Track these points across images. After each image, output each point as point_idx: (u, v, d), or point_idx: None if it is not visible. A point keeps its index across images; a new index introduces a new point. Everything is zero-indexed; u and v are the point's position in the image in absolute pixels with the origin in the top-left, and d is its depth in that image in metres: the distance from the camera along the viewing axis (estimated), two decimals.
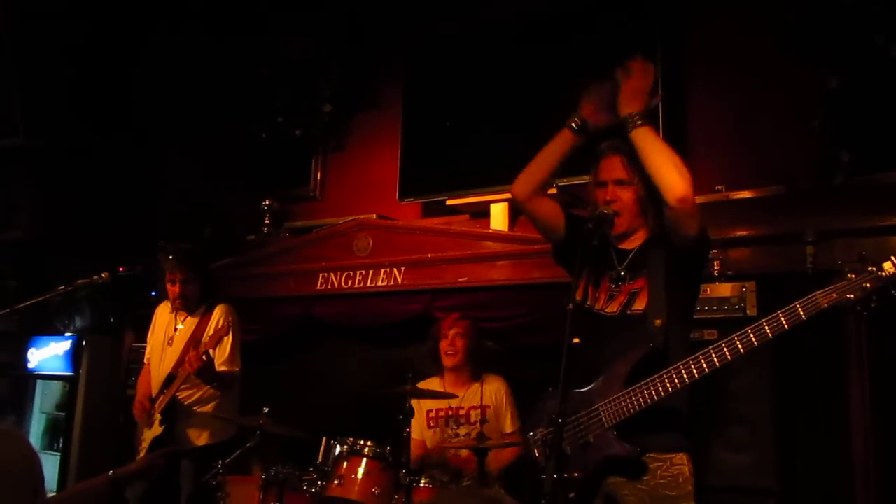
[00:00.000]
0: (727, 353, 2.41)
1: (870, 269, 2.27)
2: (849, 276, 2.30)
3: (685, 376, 2.46)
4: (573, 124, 2.78)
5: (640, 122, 2.59)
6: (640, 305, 2.67)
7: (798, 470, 3.79)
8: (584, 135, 2.78)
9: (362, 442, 3.58)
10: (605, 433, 2.57)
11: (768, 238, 4.05)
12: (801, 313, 2.32)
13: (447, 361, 4.17)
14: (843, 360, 3.76)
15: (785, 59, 4.16)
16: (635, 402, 2.52)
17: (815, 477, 3.77)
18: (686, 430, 2.66)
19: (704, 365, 2.44)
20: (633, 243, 2.79)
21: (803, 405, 3.84)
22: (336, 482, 3.49)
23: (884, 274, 2.25)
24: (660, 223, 2.77)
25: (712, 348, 2.44)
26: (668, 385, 2.48)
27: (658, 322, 2.60)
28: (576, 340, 2.33)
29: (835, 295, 2.29)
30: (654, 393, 2.49)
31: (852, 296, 2.27)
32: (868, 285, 2.26)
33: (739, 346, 2.40)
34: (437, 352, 4.21)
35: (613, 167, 2.75)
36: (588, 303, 2.71)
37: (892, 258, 2.28)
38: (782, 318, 2.34)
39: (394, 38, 5.56)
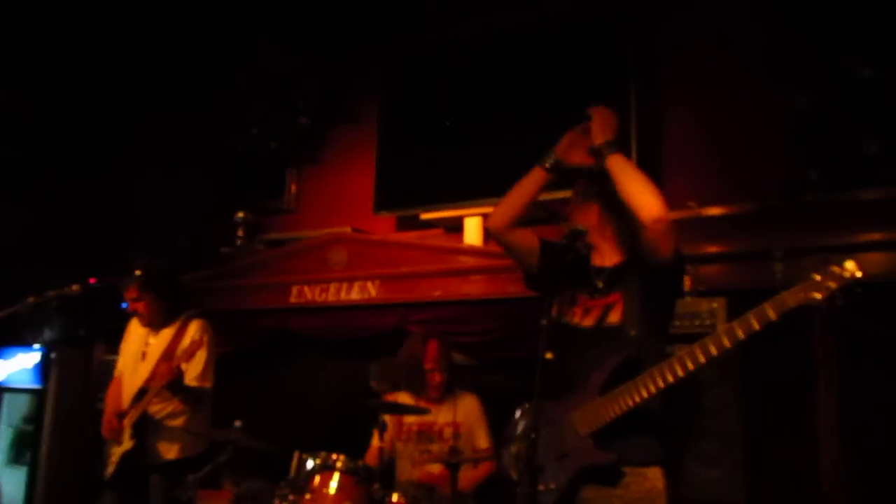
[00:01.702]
0: (700, 355, 2.43)
1: (833, 269, 2.32)
2: (814, 276, 2.33)
3: (660, 381, 2.48)
4: (546, 165, 2.90)
5: (612, 149, 2.73)
6: (614, 318, 2.71)
7: (767, 483, 3.83)
8: (555, 173, 2.91)
9: (335, 456, 3.56)
10: (581, 442, 2.58)
11: (738, 254, 4.11)
12: (771, 313, 2.35)
13: (434, 392, 4.13)
14: (812, 374, 3.81)
15: (756, 78, 4.23)
16: (611, 410, 2.54)
17: (784, 490, 3.81)
18: (661, 444, 2.68)
19: (678, 369, 2.46)
20: (611, 260, 2.84)
21: (773, 419, 3.89)
22: (308, 497, 3.47)
23: (847, 274, 2.30)
24: (636, 245, 2.84)
25: (685, 352, 2.45)
26: (643, 391, 2.49)
27: (633, 332, 2.64)
28: (549, 356, 2.36)
29: (801, 294, 2.33)
30: (629, 399, 2.51)
31: (819, 295, 2.31)
32: (833, 284, 2.30)
33: (712, 348, 2.42)
34: (419, 371, 4.15)
35: (579, 186, 2.90)
36: (563, 318, 2.75)
37: (854, 259, 2.32)
38: (752, 319, 2.37)
39: (370, 53, 5.57)
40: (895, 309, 3.63)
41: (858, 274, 2.30)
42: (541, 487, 2.49)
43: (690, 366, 2.45)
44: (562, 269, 2.62)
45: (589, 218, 2.83)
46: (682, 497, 3.64)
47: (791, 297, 2.35)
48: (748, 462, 3.84)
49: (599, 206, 2.84)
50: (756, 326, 2.37)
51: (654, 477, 2.60)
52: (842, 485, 3.70)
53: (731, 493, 3.82)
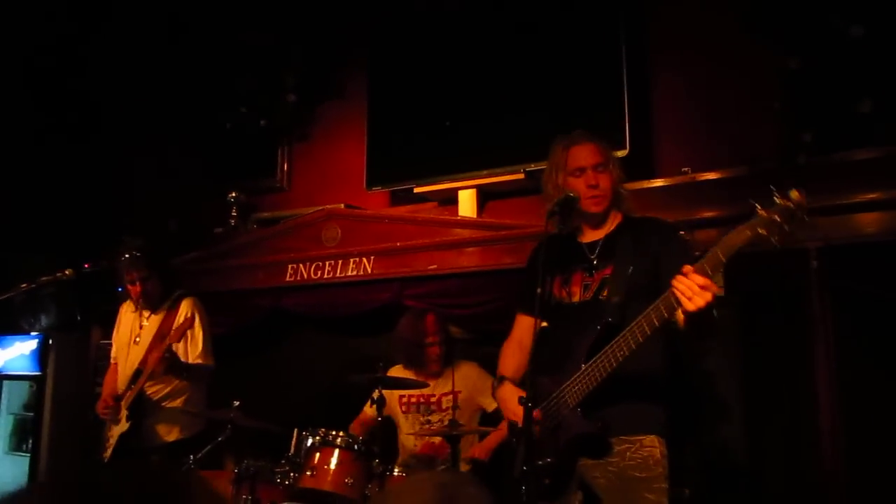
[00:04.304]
0: (663, 310, 2.41)
1: (778, 201, 2.25)
2: (759, 212, 2.27)
3: (631, 343, 2.46)
4: None
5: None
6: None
7: (767, 446, 3.84)
8: None
9: (334, 433, 3.56)
10: (571, 413, 2.59)
11: (733, 218, 4.04)
12: (721, 256, 2.29)
13: (434, 365, 4.14)
14: (808, 337, 3.81)
15: (747, 41, 4.18)
16: (594, 377, 2.54)
17: (783, 452, 3.82)
18: (662, 412, 2.68)
19: (646, 326, 2.44)
20: (603, 231, 2.82)
21: (771, 383, 3.89)
22: (309, 473, 3.48)
23: (791, 204, 2.23)
24: (629, 208, 2.84)
25: (651, 309, 2.43)
26: (618, 354, 2.49)
27: (615, 299, 2.64)
28: (544, 324, 2.36)
29: (748, 232, 2.27)
30: (607, 365, 2.51)
31: (765, 231, 2.24)
32: (777, 217, 2.24)
33: (673, 301, 2.37)
34: (418, 346, 4.14)
35: (590, 153, 2.80)
36: (560, 297, 2.74)
37: (796, 189, 2.25)
38: (706, 266, 2.31)
39: (356, 26, 5.51)
40: (891, 269, 3.62)
41: (803, 202, 2.23)
42: (539, 463, 2.50)
43: (656, 322, 2.42)
44: (553, 247, 2.64)
45: (606, 179, 2.80)
46: (682, 464, 3.65)
47: (738, 237, 2.28)
48: (748, 426, 3.86)
49: (616, 170, 2.82)
50: (708, 272, 2.30)
51: (651, 444, 2.60)
52: (841, 445, 3.71)
53: (732, 457, 3.83)
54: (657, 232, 2.77)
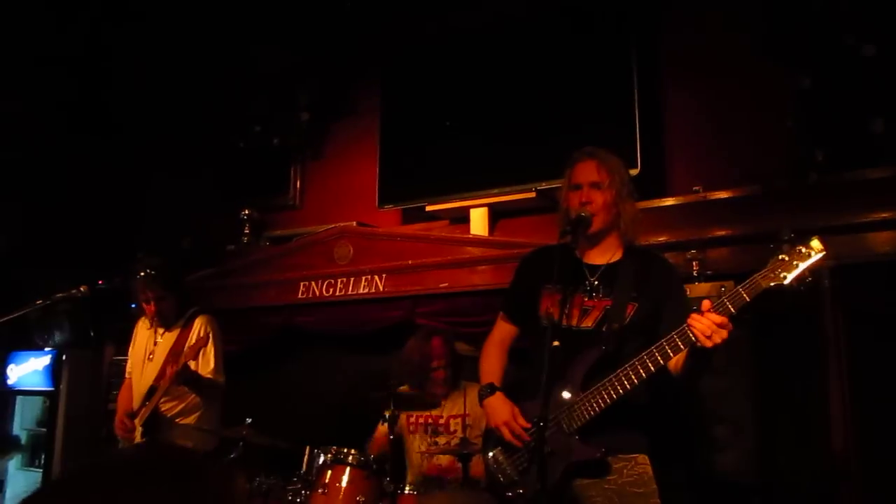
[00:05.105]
0: (680, 343, 2.44)
1: (800, 248, 2.34)
2: (782, 257, 2.35)
3: (634, 378, 2.51)
4: None
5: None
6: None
7: (780, 466, 3.82)
8: None
9: (346, 450, 3.57)
10: (567, 439, 2.60)
11: (745, 237, 4.08)
12: (745, 296, 2.37)
13: (439, 388, 4.11)
14: (822, 356, 3.79)
15: (759, 60, 4.20)
16: (594, 406, 2.56)
17: (797, 472, 3.80)
18: (647, 432, 2.70)
19: (650, 364, 2.48)
20: (605, 257, 2.82)
21: (784, 402, 3.87)
22: (320, 491, 3.48)
23: (814, 253, 2.32)
24: (633, 234, 2.84)
25: (665, 340, 2.47)
26: (618, 389, 2.52)
27: (615, 326, 2.65)
28: (555, 343, 2.37)
29: (772, 275, 2.36)
30: (606, 396, 2.54)
31: (789, 275, 2.34)
32: (801, 264, 2.32)
33: (680, 344, 2.43)
34: (424, 369, 4.11)
35: (588, 171, 2.81)
36: (563, 322, 2.73)
37: (818, 237, 2.35)
38: (728, 304, 2.37)
39: (370, 45, 5.56)
40: None
41: (823, 252, 2.32)
42: (521, 490, 2.52)
43: (671, 353, 2.47)
44: (564, 259, 2.65)
45: (600, 197, 2.79)
46: (695, 483, 3.64)
47: (763, 280, 2.37)
48: (760, 446, 3.84)
49: (614, 190, 2.81)
50: (732, 310, 2.37)
51: (644, 462, 2.66)
52: (855, 465, 3.68)
53: (745, 477, 3.81)
54: (661, 275, 2.79)
